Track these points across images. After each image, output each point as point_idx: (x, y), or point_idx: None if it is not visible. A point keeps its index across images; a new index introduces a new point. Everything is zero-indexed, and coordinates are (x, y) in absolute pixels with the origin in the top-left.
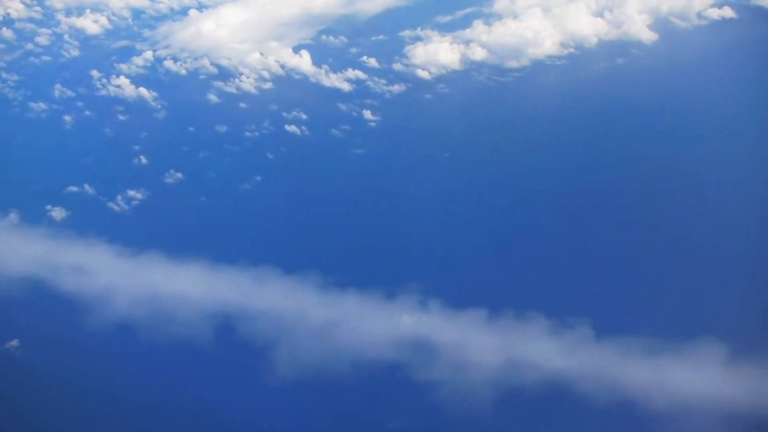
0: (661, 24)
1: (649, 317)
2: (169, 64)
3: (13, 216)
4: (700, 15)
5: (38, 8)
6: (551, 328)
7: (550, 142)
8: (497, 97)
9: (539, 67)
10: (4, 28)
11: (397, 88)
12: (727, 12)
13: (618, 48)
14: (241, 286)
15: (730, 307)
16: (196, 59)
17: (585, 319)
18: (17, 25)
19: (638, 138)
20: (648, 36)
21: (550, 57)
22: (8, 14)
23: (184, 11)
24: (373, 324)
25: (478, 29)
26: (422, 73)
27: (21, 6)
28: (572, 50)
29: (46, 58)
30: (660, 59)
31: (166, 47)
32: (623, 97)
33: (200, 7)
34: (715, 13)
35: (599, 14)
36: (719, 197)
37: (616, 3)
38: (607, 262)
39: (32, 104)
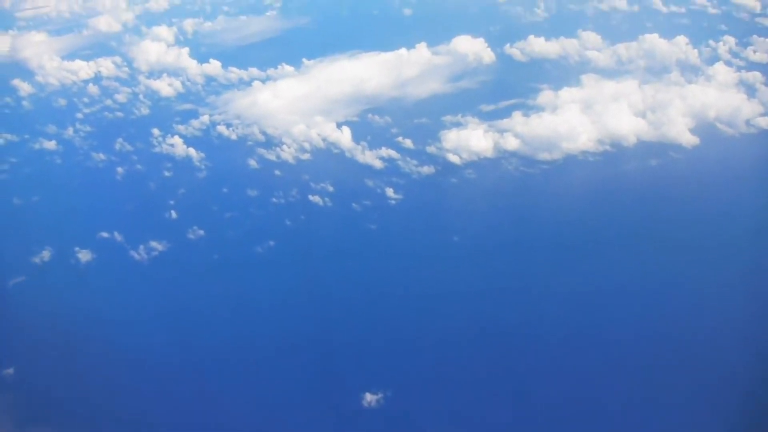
0: (704, 128)
1: None
2: (221, 128)
3: (45, 253)
4: (749, 123)
5: (126, 69)
6: None
7: (560, 237)
8: (520, 187)
9: (570, 161)
10: (91, 84)
11: (426, 169)
12: None
13: (656, 149)
14: None
15: None
16: (247, 126)
17: None
18: (104, 82)
19: (655, 245)
20: (688, 139)
21: (583, 152)
22: (99, 72)
23: (249, 82)
24: None
25: (516, 119)
26: (453, 158)
27: (112, 66)
28: (608, 147)
29: (119, 114)
30: (697, 164)
31: (222, 113)
32: (647, 199)
33: (265, 80)
34: (764, 122)
35: (641, 115)
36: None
37: (660, 104)
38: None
39: (93, 154)
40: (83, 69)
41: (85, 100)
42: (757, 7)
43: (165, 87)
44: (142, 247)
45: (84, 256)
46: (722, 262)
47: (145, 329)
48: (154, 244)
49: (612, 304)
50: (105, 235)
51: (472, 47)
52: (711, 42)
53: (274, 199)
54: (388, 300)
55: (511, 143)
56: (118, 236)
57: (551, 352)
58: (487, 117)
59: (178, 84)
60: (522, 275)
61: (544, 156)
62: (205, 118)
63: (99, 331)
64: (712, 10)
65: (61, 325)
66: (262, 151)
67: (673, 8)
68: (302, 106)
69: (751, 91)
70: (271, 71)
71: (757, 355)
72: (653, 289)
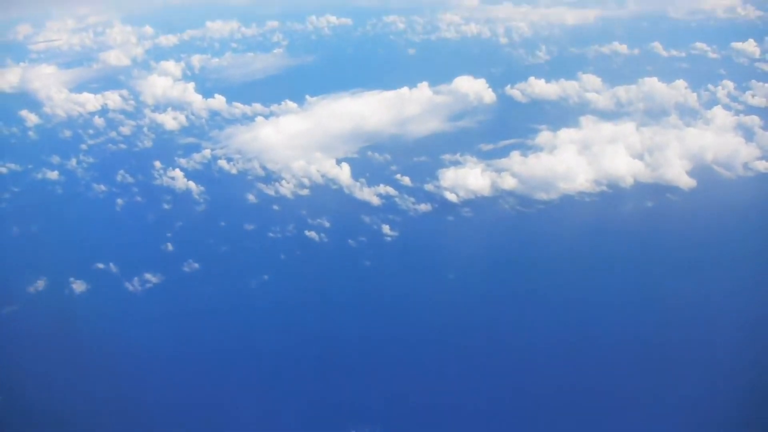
0: (702, 171)
1: None
2: (222, 163)
3: (40, 283)
4: (746, 166)
5: (132, 102)
6: None
7: (555, 277)
8: (516, 226)
9: (567, 201)
10: (97, 117)
11: (423, 207)
12: None
13: (653, 191)
14: None
15: None
16: (248, 161)
17: None
18: (110, 115)
19: (651, 286)
20: (686, 182)
21: (580, 193)
22: (106, 104)
23: (252, 117)
24: None
25: (514, 159)
26: (450, 196)
27: (119, 99)
28: (605, 188)
29: (122, 145)
30: (693, 206)
31: (224, 147)
32: (644, 240)
33: (268, 116)
34: (762, 166)
35: (639, 156)
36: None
37: (658, 146)
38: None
39: (94, 185)
40: (90, 101)
41: (90, 131)
42: (757, 52)
43: (169, 120)
44: (136, 278)
45: (78, 286)
46: (719, 305)
47: (133, 360)
48: (148, 276)
49: (606, 346)
50: (100, 265)
51: (473, 87)
52: (710, 86)
53: (271, 234)
54: (380, 336)
55: (509, 182)
56: (113, 267)
57: (545, 391)
58: (486, 156)
59: (182, 118)
60: (516, 314)
61: (541, 196)
62: (207, 152)
63: (86, 361)
64: (712, 55)
65: (49, 354)
66: (261, 185)
67: (674, 52)
68: (303, 141)
69: (749, 134)
70: (274, 107)
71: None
72: (648, 331)
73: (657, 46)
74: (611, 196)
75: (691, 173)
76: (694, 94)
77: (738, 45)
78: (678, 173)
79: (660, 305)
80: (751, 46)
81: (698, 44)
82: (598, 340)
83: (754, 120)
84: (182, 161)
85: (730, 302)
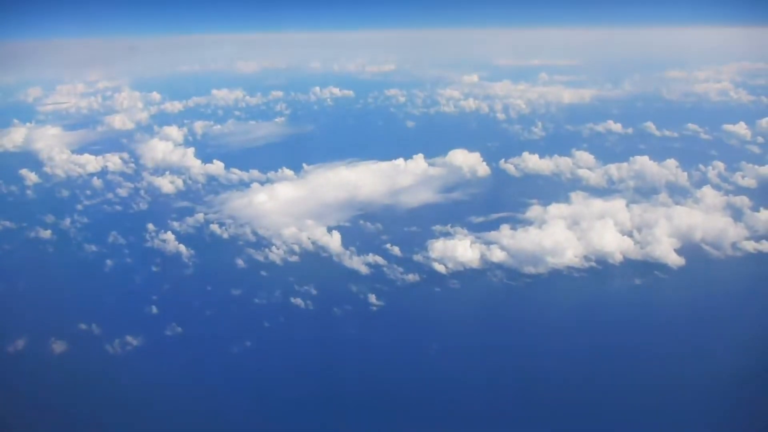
0: (690, 249)
1: None
2: (214, 227)
3: (19, 342)
4: (734, 246)
5: (132, 164)
6: None
7: (541, 352)
8: (503, 300)
9: (555, 276)
10: (96, 178)
11: (411, 277)
12: (765, 246)
13: (641, 268)
14: None
15: None
16: (240, 226)
17: None
18: (109, 176)
19: (633, 363)
20: (674, 260)
21: (569, 268)
22: (106, 166)
23: (248, 184)
24: None
25: (504, 232)
26: (438, 267)
27: (119, 161)
28: (593, 264)
29: (117, 207)
30: (681, 284)
31: (218, 212)
32: (631, 318)
33: (264, 182)
34: (750, 246)
35: (628, 233)
36: None
37: (647, 224)
38: None
39: (86, 245)
40: (91, 163)
41: (88, 192)
42: (748, 134)
43: (166, 184)
44: (117, 340)
45: (58, 346)
46: (707, 385)
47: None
48: (129, 338)
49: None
50: (83, 326)
51: (467, 160)
52: (701, 166)
53: (257, 300)
54: (361, 405)
55: (498, 255)
56: (95, 328)
57: None
58: (476, 228)
59: (179, 182)
60: (499, 388)
61: (530, 269)
62: (200, 216)
63: (58, 424)
64: (704, 136)
65: (20, 415)
66: (251, 251)
67: (666, 132)
68: (296, 209)
69: (737, 214)
70: (271, 174)
71: None
72: (635, 410)
73: (650, 126)
74: (600, 272)
75: (679, 251)
76: (685, 174)
77: (729, 127)
78: (667, 251)
79: (647, 383)
80: (742, 129)
81: (691, 125)
82: (583, 419)
83: (743, 200)
84: (175, 224)
85: (717, 381)
